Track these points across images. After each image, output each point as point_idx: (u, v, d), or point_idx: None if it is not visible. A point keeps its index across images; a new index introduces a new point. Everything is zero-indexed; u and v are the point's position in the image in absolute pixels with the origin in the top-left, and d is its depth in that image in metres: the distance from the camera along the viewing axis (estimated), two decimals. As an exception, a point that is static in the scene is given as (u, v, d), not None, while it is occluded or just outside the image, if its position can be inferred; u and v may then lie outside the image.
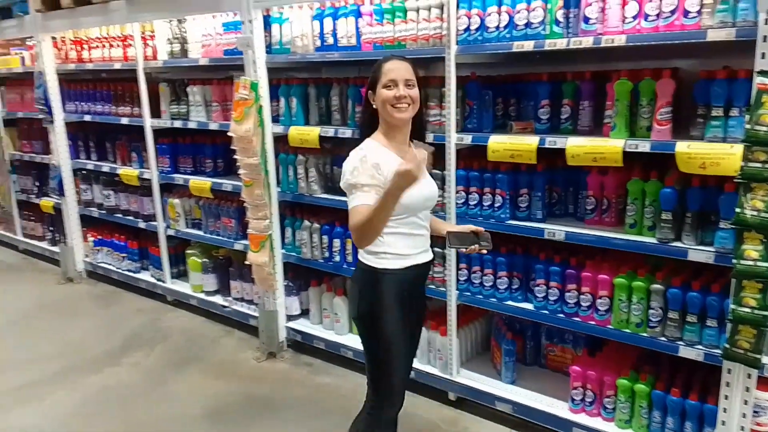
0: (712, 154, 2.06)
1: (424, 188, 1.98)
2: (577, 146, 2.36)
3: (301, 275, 3.73)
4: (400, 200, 1.76)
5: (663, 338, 2.35)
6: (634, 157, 2.36)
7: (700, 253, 2.20)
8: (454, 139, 2.74)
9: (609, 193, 2.54)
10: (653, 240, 2.35)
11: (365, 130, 2.06)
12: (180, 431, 2.94)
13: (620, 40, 2.23)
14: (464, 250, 2.10)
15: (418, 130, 2.07)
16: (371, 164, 1.89)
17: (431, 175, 2.12)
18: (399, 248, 2.00)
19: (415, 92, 1.95)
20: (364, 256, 2.04)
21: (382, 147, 1.98)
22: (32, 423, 3.01)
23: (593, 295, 2.52)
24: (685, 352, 2.28)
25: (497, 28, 2.53)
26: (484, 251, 2.15)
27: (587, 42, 2.31)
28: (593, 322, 2.54)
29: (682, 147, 2.12)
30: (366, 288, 2.04)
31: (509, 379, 2.93)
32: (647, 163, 2.44)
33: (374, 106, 2.00)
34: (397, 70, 1.93)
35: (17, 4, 4.66)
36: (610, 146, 2.29)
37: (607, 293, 2.48)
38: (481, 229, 2.12)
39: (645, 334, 2.39)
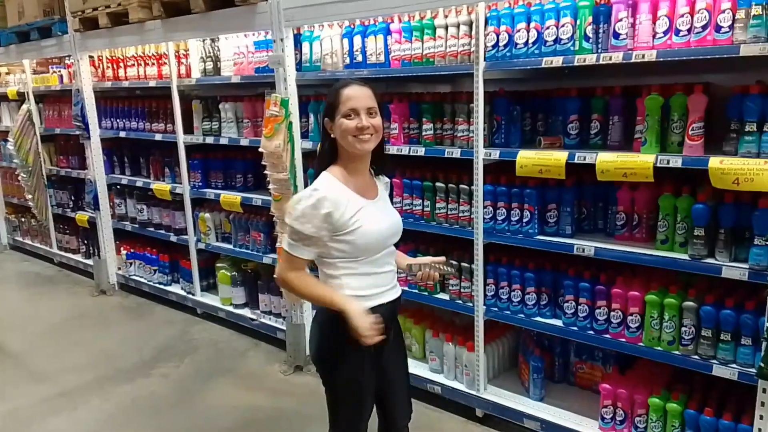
0: (746, 169, 2.04)
1: (383, 224, 1.85)
2: (608, 161, 2.35)
3: (328, 289, 3.75)
4: (356, 242, 1.77)
5: (696, 356, 2.31)
6: (665, 173, 2.34)
7: (734, 270, 2.16)
8: (481, 155, 2.75)
9: (640, 208, 2.52)
10: (685, 256, 2.32)
11: (324, 160, 1.87)
12: (209, 442, 2.97)
13: (651, 56, 2.23)
14: (418, 278, 2.00)
15: (379, 157, 1.92)
16: (323, 213, 1.73)
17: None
18: (360, 289, 1.83)
19: (378, 121, 1.80)
20: None
21: (340, 184, 1.80)
22: (66, 431, 3.08)
23: (624, 312, 2.49)
24: (719, 370, 2.24)
25: (526, 44, 2.55)
26: (448, 276, 2.07)
27: (617, 58, 2.31)
28: (624, 340, 2.50)
29: (715, 162, 2.10)
30: (326, 331, 1.89)
31: (537, 396, 2.90)
32: (679, 179, 2.42)
33: (332, 136, 1.82)
34: (357, 98, 1.77)
35: (56, 24, 4.83)
36: (641, 161, 2.27)
37: (638, 310, 2.44)
38: (442, 258, 2.01)
39: (677, 352, 2.35)
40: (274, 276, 1.86)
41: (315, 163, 1.98)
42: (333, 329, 1.83)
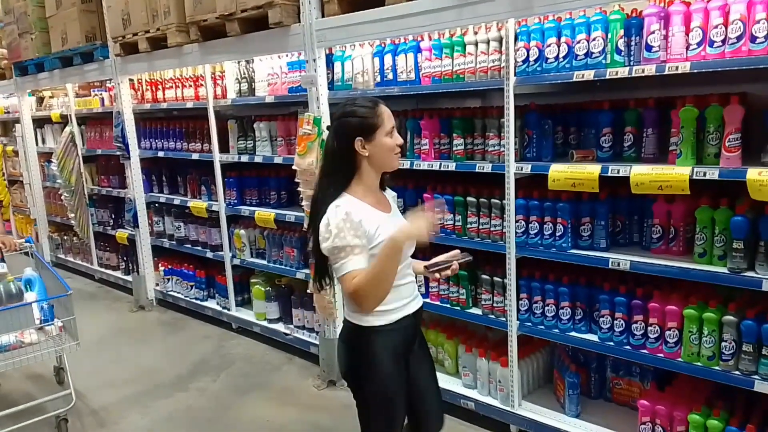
0: (786, 180, 2.00)
1: None
2: (642, 174, 2.33)
3: (361, 304, 3.78)
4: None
5: (737, 372, 2.25)
6: (702, 185, 2.31)
7: (778, 283, 2.12)
8: (513, 169, 2.76)
9: (676, 221, 2.49)
10: (724, 270, 2.27)
11: (339, 180, 1.82)
12: (245, 456, 3.01)
13: (684, 68, 2.22)
14: (438, 274, 1.95)
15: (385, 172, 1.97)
16: (356, 221, 1.74)
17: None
18: (386, 303, 1.83)
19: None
20: (350, 314, 1.92)
21: (360, 201, 1.81)
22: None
23: (661, 327, 2.45)
24: (761, 386, 2.17)
25: (557, 58, 2.56)
26: (464, 263, 1.98)
27: (650, 70, 2.30)
28: (662, 355, 2.46)
29: (753, 174, 2.06)
30: (355, 348, 1.91)
31: (573, 412, 2.86)
32: (716, 191, 2.38)
33: (365, 155, 1.81)
34: (391, 117, 1.84)
35: (98, 49, 5.02)
36: (677, 174, 2.25)
37: (677, 325, 2.40)
38: (456, 251, 1.99)
39: (718, 368, 2.30)
40: (350, 296, 1.77)
41: (323, 182, 1.87)
42: (359, 344, 1.88)
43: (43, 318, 3.09)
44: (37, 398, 3.36)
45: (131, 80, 5.07)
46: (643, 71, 2.32)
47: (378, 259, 1.73)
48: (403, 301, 1.91)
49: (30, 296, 3.18)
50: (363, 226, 1.75)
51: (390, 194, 2.05)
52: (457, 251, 1.99)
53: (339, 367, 2.05)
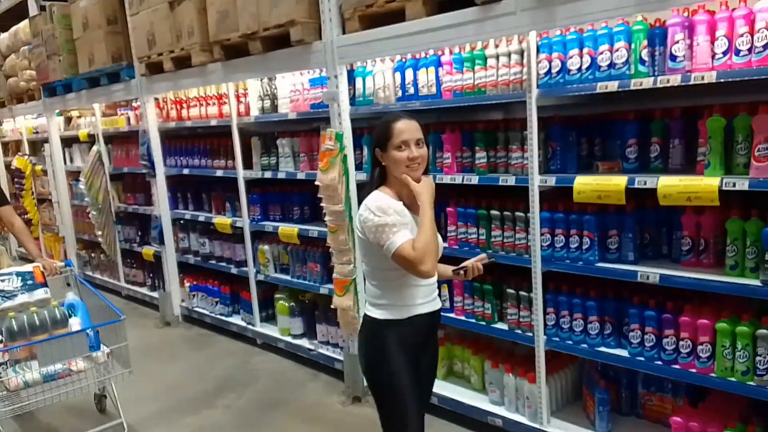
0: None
1: None
2: (670, 185, 2.29)
3: (385, 319, 3.77)
4: None
5: (775, 388, 2.19)
6: (732, 196, 2.26)
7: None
8: (537, 181, 2.73)
9: (706, 233, 2.44)
10: (757, 282, 2.21)
11: (374, 184, 2.07)
12: (271, 473, 3.00)
13: (710, 77, 2.18)
14: (463, 274, 2.13)
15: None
16: (394, 205, 1.95)
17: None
18: (403, 299, 2.03)
19: (424, 151, 2.01)
20: (368, 308, 2.09)
21: (394, 199, 2.01)
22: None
23: (693, 342, 2.39)
24: (802, 403, 2.11)
25: (579, 69, 2.54)
26: (489, 263, 2.18)
27: (675, 80, 2.26)
28: (694, 370, 2.40)
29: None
30: (370, 339, 2.08)
31: (604, 429, 2.80)
32: (746, 202, 2.33)
33: (383, 163, 2.03)
34: (408, 131, 1.97)
35: (124, 70, 5.13)
36: (705, 185, 2.21)
37: (709, 339, 2.34)
38: (483, 255, 2.21)
39: (752, 383, 2.23)
40: (411, 266, 1.88)
41: (365, 187, 2.18)
42: (374, 336, 2.05)
43: (89, 344, 3.03)
44: (85, 430, 3.32)
45: (156, 99, 5.16)
46: (668, 81, 2.28)
47: (422, 224, 1.94)
48: (421, 299, 2.07)
49: (74, 322, 3.12)
50: (399, 214, 1.94)
51: (426, 180, 2.08)
52: (483, 255, 2.23)
53: (359, 361, 2.18)
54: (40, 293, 3.21)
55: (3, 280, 3.16)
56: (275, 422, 3.50)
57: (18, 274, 3.24)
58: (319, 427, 3.41)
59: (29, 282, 3.22)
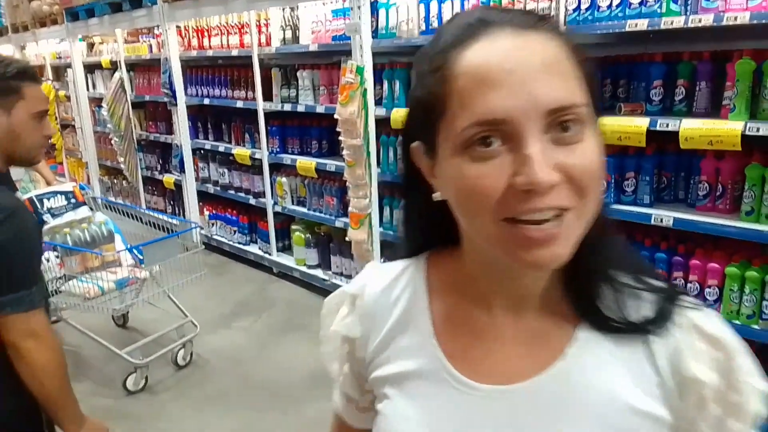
0: None
1: None
2: (692, 129, 2.27)
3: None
4: None
5: (778, 332, 2.24)
6: (754, 142, 2.24)
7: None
8: (558, 122, 2.71)
9: (724, 178, 2.43)
10: (771, 229, 2.23)
11: (423, 238, 0.77)
12: (286, 391, 3.16)
13: (744, 18, 2.12)
14: None
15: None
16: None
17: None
18: None
19: (586, 157, 0.56)
20: None
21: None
22: (154, 377, 3.34)
23: (701, 285, 2.43)
24: (803, 347, 2.16)
25: (609, 6, 2.48)
26: None
27: (707, 20, 2.21)
28: (700, 313, 2.45)
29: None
30: None
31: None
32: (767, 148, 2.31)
33: (436, 196, 0.65)
34: (514, 76, 0.54)
35: (147, -4, 5.08)
36: (728, 129, 2.19)
37: (717, 283, 2.38)
38: None
39: (756, 326, 2.28)
40: None
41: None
42: None
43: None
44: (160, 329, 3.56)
45: (178, 27, 5.11)
46: (700, 21, 2.23)
47: None
48: None
49: (118, 238, 3.34)
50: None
51: None
52: None
53: None
54: (83, 211, 3.36)
55: (49, 199, 3.27)
56: (290, 345, 3.65)
57: (60, 193, 3.35)
58: (331, 352, 3.55)
59: (72, 201, 3.34)
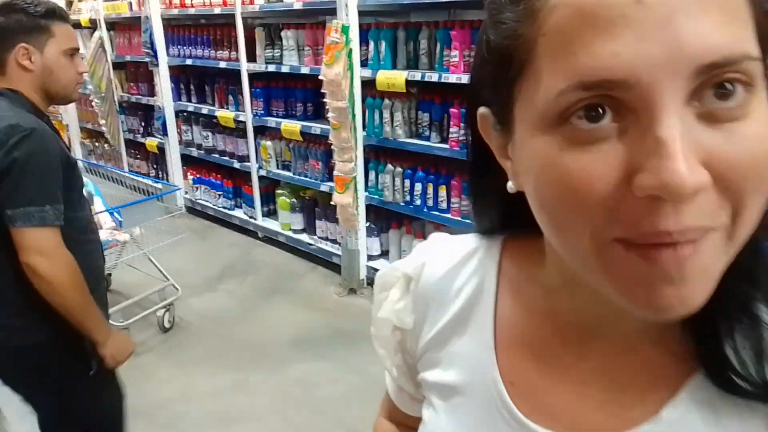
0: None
1: None
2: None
3: (382, 217, 3.86)
4: None
5: None
6: None
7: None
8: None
9: None
10: None
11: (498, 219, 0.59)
12: (271, 352, 3.19)
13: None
14: None
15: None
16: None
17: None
18: None
19: (748, 145, 0.36)
20: None
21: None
22: (138, 339, 3.36)
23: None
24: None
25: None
26: None
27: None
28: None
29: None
30: None
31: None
32: None
33: (511, 187, 0.47)
34: (641, 0, 0.34)
35: (126, -49, 4.92)
36: None
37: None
38: None
39: None
40: None
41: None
42: None
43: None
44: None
45: (158, -16, 4.98)
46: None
47: None
48: None
49: (98, 200, 3.29)
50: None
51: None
52: None
53: None
54: None
55: None
56: (275, 307, 3.68)
57: None
58: (317, 313, 3.59)
59: None
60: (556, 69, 0.37)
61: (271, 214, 4.78)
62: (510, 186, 0.47)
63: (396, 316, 0.65)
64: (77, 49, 1.69)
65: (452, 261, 0.61)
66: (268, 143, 4.48)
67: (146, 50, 5.10)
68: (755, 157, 0.35)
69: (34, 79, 1.59)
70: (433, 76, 3.15)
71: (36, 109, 1.60)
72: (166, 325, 3.43)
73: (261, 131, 4.58)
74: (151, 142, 5.66)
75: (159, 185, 5.23)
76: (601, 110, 0.36)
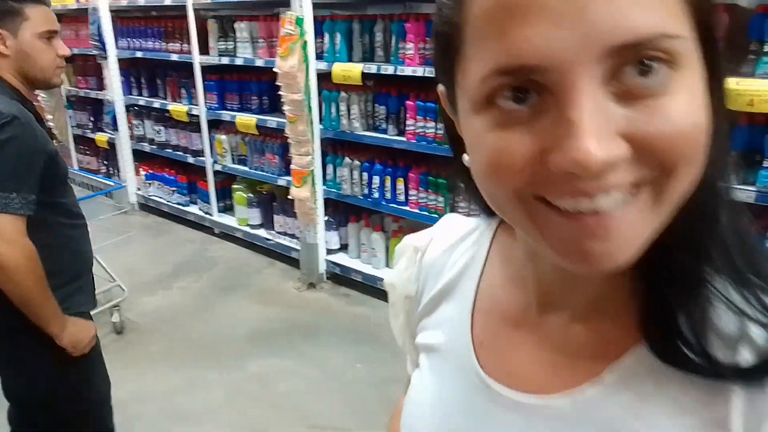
0: (762, 91, 2.02)
1: None
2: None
3: (341, 211, 3.84)
4: None
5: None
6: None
7: (743, 193, 2.18)
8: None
9: None
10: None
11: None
12: (228, 348, 3.14)
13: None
14: None
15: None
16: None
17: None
18: None
19: (668, 119, 0.37)
20: None
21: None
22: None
23: None
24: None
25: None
26: None
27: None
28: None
29: (730, 84, 2.07)
30: None
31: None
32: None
33: (464, 158, 0.48)
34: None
35: (71, -60, 4.75)
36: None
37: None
38: None
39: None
40: None
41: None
42: None
43: None
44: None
45: (106, -26, 4.82)
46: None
47: None
48: None
49: None
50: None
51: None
52: None
53: None
54: None
55: None
56: (233, 303, 3.62)
57: None
58: (276, 308, 3.55)
59: None
60: (480, 55, 0.39)
61: (227, 209, 4.70)
62: (465, 159, 0.47)
63: (401, 282, 0.71)
64: (55, 32, 1.66)
65: (454, 237, 0.67)
66: (223, 137, 4.40)
67: (94, 42, 4.93)
68: (680, 130, 0.37)
69: (11, 64, 1.59)
70: (388, 69, 3.14)
71: (20, 95, 1.59)
72: (116, 326, 3.32)
73: (215, 125, 4.49)
74: (101, 138, 5.49)
75: (111, 183, 5.08)
76: (526, 92, 0.38)
